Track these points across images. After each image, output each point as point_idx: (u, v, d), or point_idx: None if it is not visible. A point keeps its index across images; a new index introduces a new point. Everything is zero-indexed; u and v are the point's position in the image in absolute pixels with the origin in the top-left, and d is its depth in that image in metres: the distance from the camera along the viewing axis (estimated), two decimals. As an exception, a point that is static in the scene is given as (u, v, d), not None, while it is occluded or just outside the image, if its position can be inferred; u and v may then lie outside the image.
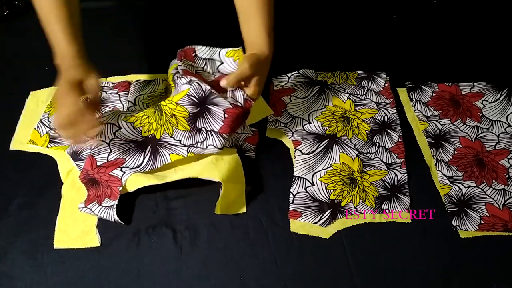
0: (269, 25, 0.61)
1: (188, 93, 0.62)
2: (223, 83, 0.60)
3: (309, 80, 0.78)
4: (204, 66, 0.66)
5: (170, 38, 0.88)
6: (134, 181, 0.62)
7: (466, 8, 0.98)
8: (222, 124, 0.61)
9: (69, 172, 0.67)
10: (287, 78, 0.80)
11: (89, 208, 0.61)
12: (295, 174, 0.69)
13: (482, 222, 0.65)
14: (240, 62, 0.60)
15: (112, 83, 0.78)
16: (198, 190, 0.65)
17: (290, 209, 0.65)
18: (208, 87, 0.63)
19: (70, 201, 0.64)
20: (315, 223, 0.64)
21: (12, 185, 0.66)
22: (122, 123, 0.63)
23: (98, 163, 0.63)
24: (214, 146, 0.62)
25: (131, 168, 0.63)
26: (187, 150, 0.64)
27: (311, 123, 0.74)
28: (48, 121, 0.73)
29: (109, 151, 0.64)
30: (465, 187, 0.69)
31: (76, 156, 0.66)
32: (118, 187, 0.61)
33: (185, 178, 0.62)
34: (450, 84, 0.83)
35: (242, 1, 0.61)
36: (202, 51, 0.65)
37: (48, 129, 0.71)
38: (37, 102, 0.77)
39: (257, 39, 0.61)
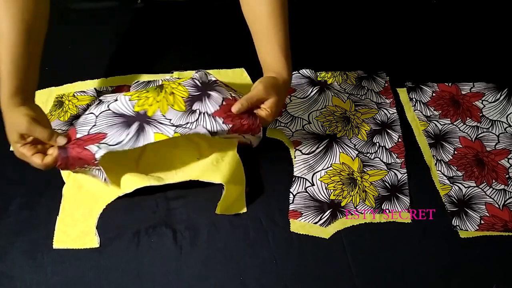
0: (286, 46, 0.59)
1: (193, 76, 0.62)
2: (234, 108, 0.57)
3: (309, 80, 0.78)
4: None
5: (170, 39, 0.88)
6: (133, 182, 0.61)
7: (466, 8, 0.98)
8: (218, 108, 0.59)
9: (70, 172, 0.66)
10: (287, 78, 0.79)
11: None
12: (295, 174, 0.69)
13: (482, 222, 0.65)
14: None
15: (111, 87, 0.77)
16: (198, 190, 0.65)
17: (290, 209, 0.65)
18: (214, 78, 0.62)
19: (70, 201, 0.64)
20: (315, 223, 0.64)
21: (12, 185, 0.65)
22: (120, 97, 0.61)
23: (78, 135, 0.58)
24: (204, 127, 0.58)
25: (110, 145, 0.57)
26: (174, 130, 0.58)
27: (311, 123, 0.74)
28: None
29: (93, 124, 0.59)
30: (465, 187, 0.69)
31: None
32: (93, 161, 0.56)
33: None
34: (450, 84, 0.83)
35: (255, 22, 0.59)
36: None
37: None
38: (37, 102, 0.76)
39: (274, 62, 0.59)
